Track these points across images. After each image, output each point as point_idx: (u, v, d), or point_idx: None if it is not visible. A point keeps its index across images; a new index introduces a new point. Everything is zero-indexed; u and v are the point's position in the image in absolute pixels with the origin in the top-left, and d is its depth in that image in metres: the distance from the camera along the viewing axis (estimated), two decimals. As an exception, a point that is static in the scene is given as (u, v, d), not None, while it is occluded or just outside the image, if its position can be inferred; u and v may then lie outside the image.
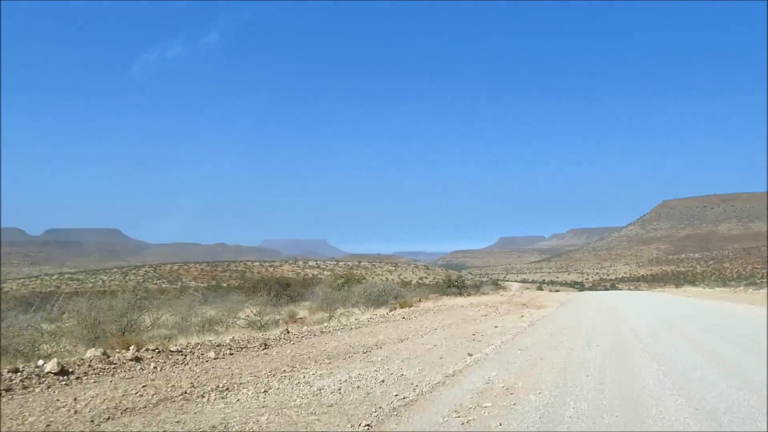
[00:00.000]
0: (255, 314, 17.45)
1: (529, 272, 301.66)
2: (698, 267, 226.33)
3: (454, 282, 46.30)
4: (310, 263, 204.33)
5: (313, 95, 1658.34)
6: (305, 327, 15.24)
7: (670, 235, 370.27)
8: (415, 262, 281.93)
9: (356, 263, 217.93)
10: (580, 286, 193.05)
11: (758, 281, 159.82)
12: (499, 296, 40.03)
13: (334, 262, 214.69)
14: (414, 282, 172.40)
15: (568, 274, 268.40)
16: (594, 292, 70.61)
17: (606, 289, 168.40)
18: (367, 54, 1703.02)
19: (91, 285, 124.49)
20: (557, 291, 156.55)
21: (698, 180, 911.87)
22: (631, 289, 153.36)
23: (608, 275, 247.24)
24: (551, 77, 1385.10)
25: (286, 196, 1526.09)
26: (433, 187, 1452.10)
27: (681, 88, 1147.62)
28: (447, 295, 43.29)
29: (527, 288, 68.93)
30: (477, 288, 66.70)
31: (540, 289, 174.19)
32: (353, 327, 15.24)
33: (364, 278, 31.21)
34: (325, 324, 16.04)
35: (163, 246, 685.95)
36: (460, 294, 43.44)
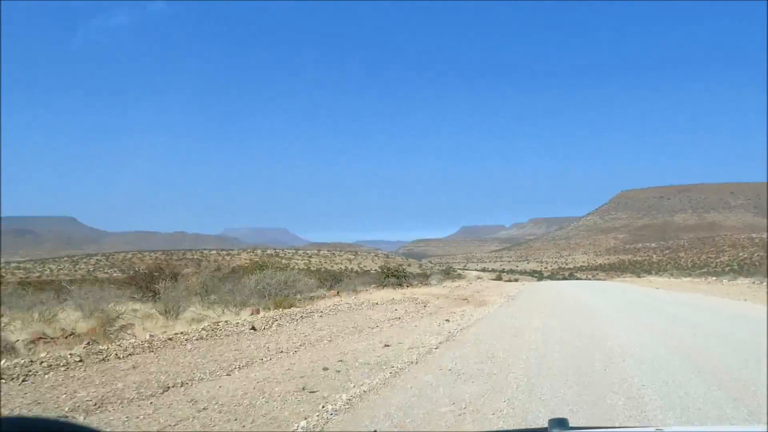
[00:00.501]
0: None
1: (490, 261, 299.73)
2: (654, 256, 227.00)
3: (393, 271, 40.34)
4: (269, 252, 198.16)
5: (276, 74, 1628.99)
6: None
7: (627, 225, 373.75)
8: (375, 250, 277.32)
9: (315, 252, 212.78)
10: (539, 275, 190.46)
11: (714, 269, 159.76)
12: (441, 288, 34.35)
13: (293, 251, 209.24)
14: (373, 271, 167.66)
15: (528, 263, 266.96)
16: (552, 282, 66.14)
17: (565, 278, 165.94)
18: (331, 38, 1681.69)
19: (38, 275, 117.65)
20: (516, 280, 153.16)
21: (656, 171, 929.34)
22: (590, 278, 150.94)
23: (567, 264, 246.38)
24: (511, 70, 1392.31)
25: (248, 184, 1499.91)
26: (395, 177, 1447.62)
27: (637, 80, 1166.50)
28: (385, 286, 37.42)
29: (479, 278, 63.60)
30: (426, 277, 61.24)
31: (499, 278, 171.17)
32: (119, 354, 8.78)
33: (265, 266, 25.18)
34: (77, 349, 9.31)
35: (121, 235, 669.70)
36: (400, 285, 37.64)
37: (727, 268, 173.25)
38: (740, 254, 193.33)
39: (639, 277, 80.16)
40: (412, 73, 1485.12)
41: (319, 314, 14.98)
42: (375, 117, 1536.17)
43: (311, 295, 24.14)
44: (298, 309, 15.13)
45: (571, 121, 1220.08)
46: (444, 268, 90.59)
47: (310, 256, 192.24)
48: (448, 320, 14.93)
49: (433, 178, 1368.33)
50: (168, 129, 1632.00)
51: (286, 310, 14.89)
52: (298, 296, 22.05)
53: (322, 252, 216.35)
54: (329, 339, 10.94)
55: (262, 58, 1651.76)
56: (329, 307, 17.36)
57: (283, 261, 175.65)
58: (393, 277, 39.24)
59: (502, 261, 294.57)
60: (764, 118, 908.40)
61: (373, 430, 5.22)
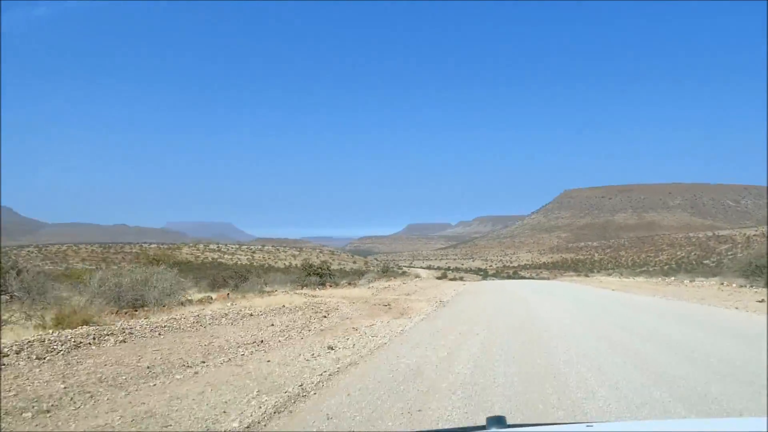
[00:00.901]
0: None
1: (435, 259, 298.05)
2: (596, 255, 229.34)
3: (316, 270, 34.94)
4: (212, 246, 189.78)
5: (221, 66, 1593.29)
6: None
7: (570, 224, 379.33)
8: (321, 247, 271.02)
9: (260, 247, 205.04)
10: (484, 273, 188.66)
11: (653, 268, 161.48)
12: (367, 289, 29.21)
13: (237, 246, 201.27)
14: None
15: (473, 261, 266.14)
16: (497, 282, 60.86)
17: (509, 277, 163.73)
18: (277, 36, 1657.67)
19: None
20: (461, 279, 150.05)
21: (598, 171, 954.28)
22: (534, 277, 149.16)
23: (511, 262, 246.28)
24: (461, 66, 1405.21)
25: (193, 177, 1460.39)
26: (344, 173, 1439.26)
27: (581, 81, 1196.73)
28: (304, 286, 32.04)
29: (418, 277, 58.81)
30: (361, 275, 56.05)
31: (444, 276, 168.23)
32: None
33: (158, 261, 19.61)
34: None
35: (60, 226, 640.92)
36: (322, 285, 32.34)
37: (665, 267, 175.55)
38: (678, 253, 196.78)
39: (587, 276, 75.68)
40: (361, 69, 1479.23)
41: (128, 335, 9.43)
42: (323, 113, 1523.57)
43: (187, 298, 18.54)
44: (94, 328, 9.50)
45: (517, 121, 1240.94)
46: (383, 266, 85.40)
47: (253, 252, 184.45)
48: (332, 348, 9.67)
49: (381, 175, 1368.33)
50: (113, 120, 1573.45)
51: (75, 330, 9.28)
52: (165, 300, 16.37)
53: (266, 248, 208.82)
54: (53, 405, 5.48)
55: (204, 48, 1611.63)
56: (174, 320, 11.84)
57: (226, 256, 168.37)
58: (315, 275, 33.89)
59: (447, 259, 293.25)
60: (704, 117, 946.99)
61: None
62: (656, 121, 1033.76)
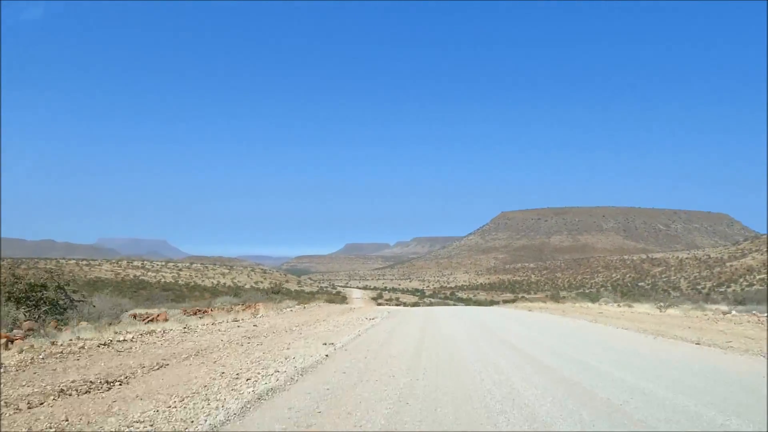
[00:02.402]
0: None
1: (373, 278, 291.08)
2: (533, 276, 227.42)
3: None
4: (135, 263, 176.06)
5: (157, 77, 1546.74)
6: None
7: (507, 245, 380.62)
8: (255, 266, 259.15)
9: (187, 265, 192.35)
10: (420, 293, 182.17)
11: (588, 290, 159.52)
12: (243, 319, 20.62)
13: (163, 263, 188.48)
14: (248, 286, 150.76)
15: (410, 281, 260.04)
16: (431, 310, 47.76)
17: (446, 298, 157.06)
18: (214, 45, 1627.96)
19: None
20: (397, 300, 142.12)
21: (534, 193, 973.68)
22: (473, 301, 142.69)
23: (449, 283, 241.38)
24: (398, 83, 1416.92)
25: (126, 191, 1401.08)
26: (281, 192, 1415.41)
27: (518, 103, 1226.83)
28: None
29: (345, 300, 50.52)
30: (275, 294, 47.32)
31: (379, 296, 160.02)
32: None
33: None
34: None
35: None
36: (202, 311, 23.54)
37: (601, 288, 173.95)
38: (613, 275, 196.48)
39: (557, 302, 49.07)
40: (298, 85, 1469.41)
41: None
42: (260, 131, 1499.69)
43: None
44: None
45: (455, 142, 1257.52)
46: (273, 286, 76.25)
47: (180, 270, 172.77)
48: None
49: (319, 194, 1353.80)
50: (40, 129, 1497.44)
51: None
52: None
53: (194, 265, 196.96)
54: None
55: (145, 59, 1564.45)
56: None
57: (150, 273, 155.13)
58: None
59: (384, 279, 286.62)
60: (637, 142, 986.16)
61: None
62: (590, 144, 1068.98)
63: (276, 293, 46.34)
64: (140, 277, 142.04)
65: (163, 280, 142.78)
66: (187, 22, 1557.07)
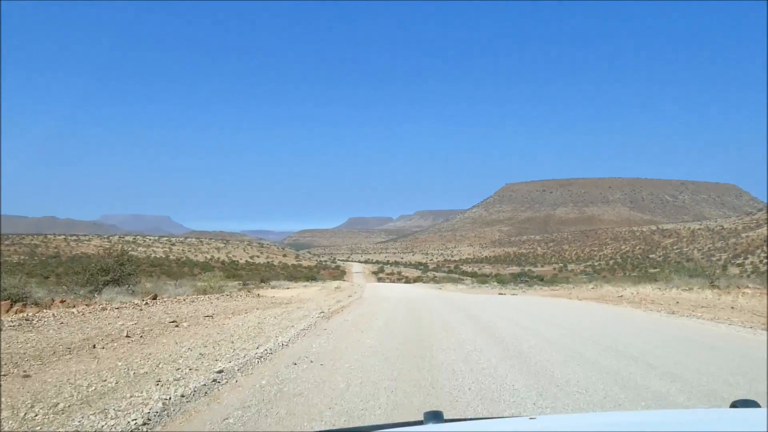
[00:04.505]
0: None
1: (375, 252, 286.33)
2: (539, 249, 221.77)
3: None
4: (127, 238, 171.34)
5: (162, 59, 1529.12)
6: None
7: (511, 217, 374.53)
8: (257, 240, 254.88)
9: (181, 240, 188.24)
10: (423, 267, 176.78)
11: (597, 263, 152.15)
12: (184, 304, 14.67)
13: (155, 238, 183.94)
14: (243, 261, 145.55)
15: (413, 255, 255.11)
16: (427, 288, 39.31)
17: (450, 272, 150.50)
18: (215, 24, 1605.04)
19: None
20: (390, 276, 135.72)
21: (539, 165, 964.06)
22: (476, 274, 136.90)
23: (453, 256, 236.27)
24: (403, 61, 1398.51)
25: (130, 168, 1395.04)
26: (285, 167, 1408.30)
27: (522, 77, 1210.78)
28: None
29: (343, 273, 44.66)
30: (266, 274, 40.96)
31: (381, 270, 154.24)
32: None
33: None
34: None
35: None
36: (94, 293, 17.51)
37: (611, 261, 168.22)
38: (622, 247, 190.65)
39: (597, 286, 33.94)
40: (301, 65, 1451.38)
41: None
42: (265, 107, 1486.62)
43: None
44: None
45: (458, 115, 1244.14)
46: (327, 260, 71.02)
47: (173, 244, 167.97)
48: None
49: (322, 169, 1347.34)
50: (43, 106, 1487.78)
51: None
52: None
53: (188, 240, 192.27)
54: None
55: (150, 39, 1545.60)
56: None
57: (140, 249, 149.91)
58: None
59: (387, 253, 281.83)
60: (643, 114, 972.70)
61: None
62: (595, 116, 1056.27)
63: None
64: (129, 252, 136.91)
65: (153, 255, 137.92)
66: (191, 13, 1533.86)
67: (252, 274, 73.09)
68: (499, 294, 34.02)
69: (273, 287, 36.97)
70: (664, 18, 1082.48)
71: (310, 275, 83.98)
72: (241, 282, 44.56)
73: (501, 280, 61.72)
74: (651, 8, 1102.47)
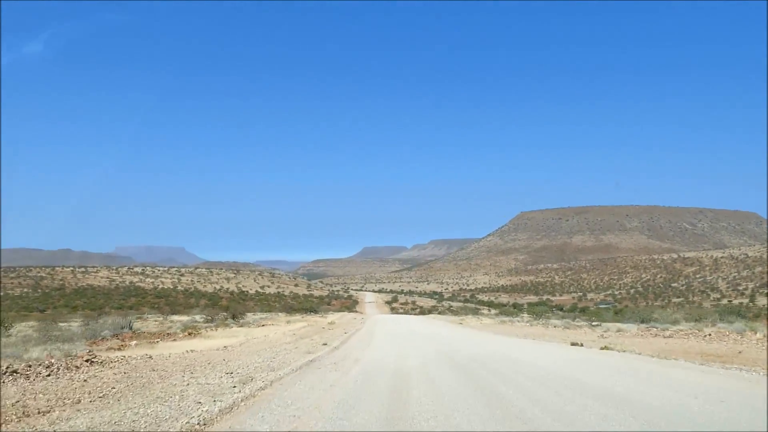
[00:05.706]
0: None
1: (389, 281, 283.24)
2: (557, 277, 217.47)
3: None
4: (136, 269, 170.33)
5: (168, 84, 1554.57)
6: None
7: (527, 246, 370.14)
8: (269, 270, 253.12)
9: (190, 270, 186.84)
10: (439, 297, 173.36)
11: (617, 291, 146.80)
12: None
13: (164, 268, 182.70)
14: (253, 291, 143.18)
15: (428, 284, 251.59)
16: (432, 327, 34.67)
17: (466, 301, 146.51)
18: (223, 53, 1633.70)
19: None
20: (404, 306, 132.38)
21: (554, 193, 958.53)
22: (492, 303, 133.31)
23: (468, 285, 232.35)
24: (410, 92, 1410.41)
25: (144, 200, 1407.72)
26: (299, 197, 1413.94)
27: (535, 102, 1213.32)
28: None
29: (356, 304, 42.26)
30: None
31: (394, 300, 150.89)
32: None
33: None
34: None
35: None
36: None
37: (632, 290, 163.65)
38: (643, 276, 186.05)
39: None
40: (313, 91, 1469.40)
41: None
42: (275, 135, 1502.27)
43: None
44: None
45: (472, 142, 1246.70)
46: (340, 288, 68.69)
47: (182, 275, 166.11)
48: None
49: (337, 199, 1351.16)
50: (56, 138, 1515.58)
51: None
52: None
53: (198, 270, 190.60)
54: None
55: (155, 66, 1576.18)
56: None
57: (148, 280, 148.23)
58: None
59: (401, 282, 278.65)
60: (654, 140, 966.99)
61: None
62: (612, 142, 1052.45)
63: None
64: (137, 284, 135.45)
65: (161, 286, 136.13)
66: (207, 24, 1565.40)
67: (239, 305, 70.49)
68: (572, 345, 18.11)
69: (242, 324, 34.48)
70: (684, 44, 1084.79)
71: (309, 307, 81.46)
72: (208, 317, 41.78)
73: (535, 311, 50.52)
74: (675, 34, 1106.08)
